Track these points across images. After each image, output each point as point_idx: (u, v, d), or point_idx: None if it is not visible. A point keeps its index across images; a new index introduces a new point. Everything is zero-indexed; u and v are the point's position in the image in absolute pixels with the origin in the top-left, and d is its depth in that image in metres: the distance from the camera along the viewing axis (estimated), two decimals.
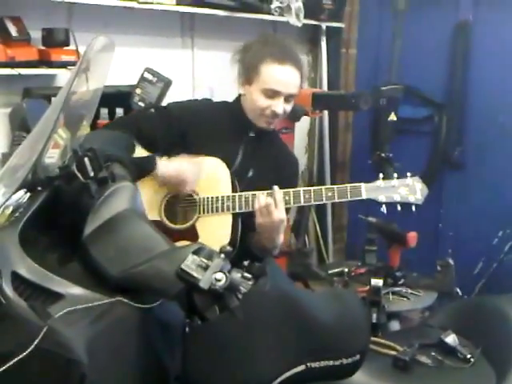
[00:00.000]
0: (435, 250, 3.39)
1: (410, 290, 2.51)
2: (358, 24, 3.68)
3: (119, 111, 2.58)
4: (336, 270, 2.65)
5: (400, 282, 2.55)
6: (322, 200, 1.74)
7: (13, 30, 2.20)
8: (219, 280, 0.97)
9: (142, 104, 2.54)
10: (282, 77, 1.80)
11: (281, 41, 1.92)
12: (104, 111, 2.51)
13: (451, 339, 1.43)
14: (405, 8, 3.31)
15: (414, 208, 1.76)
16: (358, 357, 1.02)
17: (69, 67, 2.33)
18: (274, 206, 1.70)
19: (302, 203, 1.76)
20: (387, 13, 3.45)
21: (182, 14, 2.95)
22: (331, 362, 1.01)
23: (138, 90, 2.55)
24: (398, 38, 3.39)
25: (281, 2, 3.07)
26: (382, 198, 1.72)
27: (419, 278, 2.66)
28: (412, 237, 2.54)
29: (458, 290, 2.79)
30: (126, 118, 2.25)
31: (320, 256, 3.82)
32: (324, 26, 3.59)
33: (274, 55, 1.80)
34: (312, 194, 1.74)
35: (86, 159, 1.09)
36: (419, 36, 3.36)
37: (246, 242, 1.86)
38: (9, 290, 0.89)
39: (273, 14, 3.09)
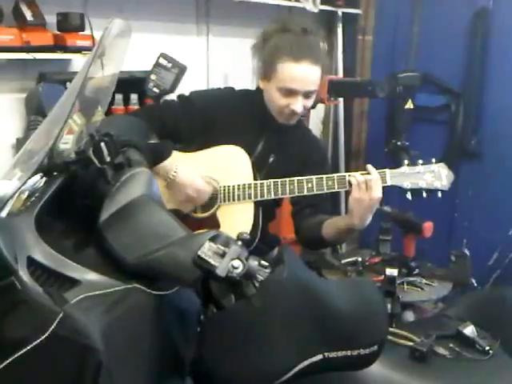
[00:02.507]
0: (450, 240, 3.37)
1: (424, 281, 2.49)
2: (374, 10, 3.63)
3: (134, 97, 2.57)
4: (350, 260, 2.64)
5: (415, 272, 2.52)
6: (346, 187, 1.69)
7: (28, 15, 2.20)
8: (236, 267, 0.96)
9: (156, 90, 2.53)
10: (299, 75, 1.74)
11: (299, 28, 1.81)
12: (118, 97, 2.50)
13: (469, 330, 1.41)
14: None
15: (439, 194, 1.73)
16: (376, 347, 1.01)
17: (84, 52, 2.32)
18: (374, 181, 1.63)
19: (325, 190, 1.71)
20: None
21: (197, 0, 2.93)
22: (349, 353, 1.00)
23: (152, 76, 2.54)
24: (415, 25, 3.34)
25: None
26: (407, 185, 1.68)
27: (434, 268, 2.63)
28: (428, 226, 2.51)
29: (473, 280, 2.76)
30: (149, 107, 2.22)
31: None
32: (340, 12, 3.55)
33: (290, 51, 1.73)
34: (336, 180, 1.71)
35: (102, 144, 1.08)
36: (437, 23, 3.31)
37: (306, 228, 1.82)
38: (24, 275, 0.88)
39: (289, 0, 3.05)
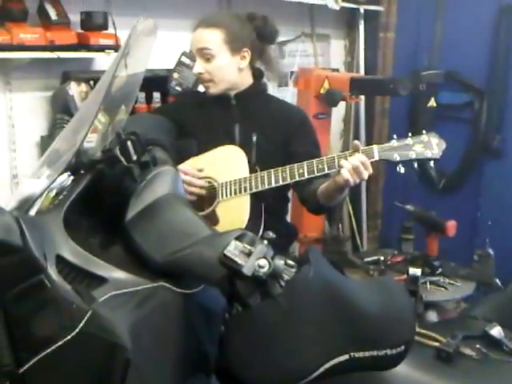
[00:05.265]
0: (473, 239, 3.33)
1: (447, 280, 2.47)
2: (397, 7, 3.60)
3: (156, 95, 2.58)
4: (372, 259, 2.62)
5: (438, 272, 2.50)
6: (336, 168, 1.68)
7: (52, 14, 2.22)
8: (262, 266, 0.96)
9: (178, 88, 2.54)
10: (192, 39, 1.91)
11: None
12: (141, 95, 2.52)
13: (496, 331, 1.39)
14: None
15: (432, 163, 1.70)
16: (402, 348, 1.00)
17: (107, 51, 2.34)
18: (363, 166, 1.64)
19: (316, 173, 1.71)
20: None
21: None
22: (375, 353, 0.99)
23: (175, 74, 2.55)
24: (438, 22, 3.31)
25: None
26: (396, 157, 1.67)
27: (457, 267, 2.60)
28: (451, 225, 2.49)
29: (497, 280, 2.72)
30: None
31: (354, 243, 3.79)
32: (362, 9, 3.53)
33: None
34: (325, 162, 1.70)
35: (128, 143, 1.08)
36: (461, 19, 3.27)
37: (306, 192, 1.85)
38: (54, 273, 0.89)
39: None
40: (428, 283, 2.42)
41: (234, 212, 1.77)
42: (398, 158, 1.67)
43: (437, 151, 1.69)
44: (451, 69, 3.26)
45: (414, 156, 1.67)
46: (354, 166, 1.60)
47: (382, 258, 2.60)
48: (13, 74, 2.33)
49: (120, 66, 1.20)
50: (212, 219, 1.78)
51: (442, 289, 2.41)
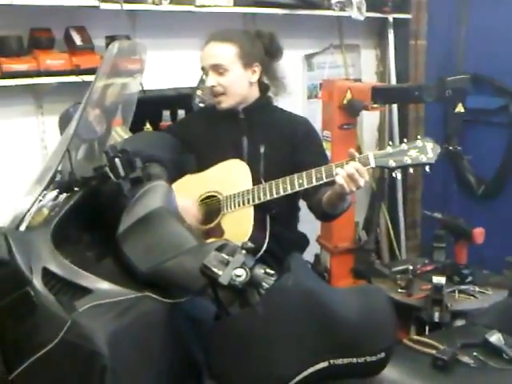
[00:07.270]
0: None
1: (477, 288, 2.41)
2: (426, 14, 3.56)
3: (181, 113, 2.64)
4: (400, 268, 2.59)
5: (467, 280, 2.45)
6: (333, 176, 1.69)
7: (77, 40, 2.32)
8: (239, 276, 0.99)
9: (202, 105, 2.60)
10: (204, 53, 1.93)
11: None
12: (166, 113, 2.59)
13: (496, 338, 1.36)
14: None
15: (427, 168, 1.70)
16: (383, 354, 1.00)
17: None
18: (359, 173, 1.65)
19: (314, 183, 1.73)
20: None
21: (244, 15, 2.98)
22: (355, 360, 1.00)
23: (198, 92, 2.61)
24: (469, 27, 3.25)
25: None
26: (391, 164, 1.67)
27: (490, 275, 2.54)
28: (478, 233, 2.43)
29: None
30: None
31: (392, 253, 3.74)
32: (391, 18, 3.52)
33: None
34: (323, 171, 1.72)
35: (117, 160, 1.14)
36: (491, 22, 3.20)
37: (313, 201, 1.88)
38: (38, 284, 0.95)
39: (333, 10, 3.06)
40: (457, 292, 2.38)
41: (238, 224, 1.80)
42: (394, 164, 1.67)
43: (431, 155, 1.68)
44: (485, 72, 3.18)
45: (409, 161, 1.67)
46: (349, 173, 1.62)
47: (411, 267, 2.56)
48: (44, 99, 2.45)
49: (134, 84, 1.26)
50: (217, 232, 1.82)
51: (471, 297, 2.36)
